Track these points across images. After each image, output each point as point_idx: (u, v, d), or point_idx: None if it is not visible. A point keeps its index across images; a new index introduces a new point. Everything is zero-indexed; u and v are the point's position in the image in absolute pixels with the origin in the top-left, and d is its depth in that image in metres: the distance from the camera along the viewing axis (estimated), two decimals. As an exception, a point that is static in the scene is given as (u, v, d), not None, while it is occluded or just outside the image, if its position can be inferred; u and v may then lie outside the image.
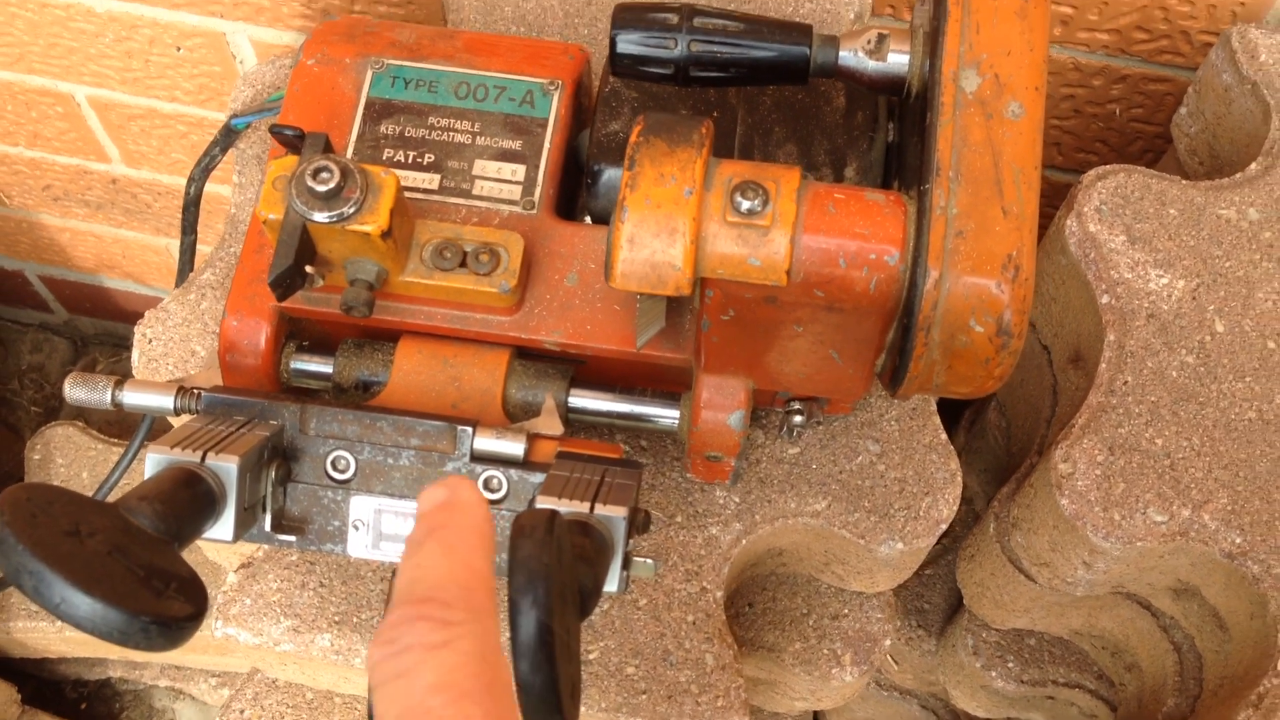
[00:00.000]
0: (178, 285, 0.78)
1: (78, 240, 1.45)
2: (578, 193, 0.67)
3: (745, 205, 0.50)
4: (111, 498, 0.49)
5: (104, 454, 1.29)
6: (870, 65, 0.55)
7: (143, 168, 1.26)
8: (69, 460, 1.30)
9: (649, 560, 0.54)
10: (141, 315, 0.71)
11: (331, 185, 0.53)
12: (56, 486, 0.46)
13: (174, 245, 1.40)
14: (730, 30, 0.55)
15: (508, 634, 0.38)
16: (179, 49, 1.06)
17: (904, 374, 0.52)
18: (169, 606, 0.43)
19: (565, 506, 0.51)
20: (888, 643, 0.75)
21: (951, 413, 0.87)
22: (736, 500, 0.67)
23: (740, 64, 0.56)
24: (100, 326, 1.66)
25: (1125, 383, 0.67)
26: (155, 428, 0.83)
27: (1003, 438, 0.88)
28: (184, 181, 1.27)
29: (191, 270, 0.80)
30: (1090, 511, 0.65)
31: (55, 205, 1.39)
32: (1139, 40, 0.82)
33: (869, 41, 0.55)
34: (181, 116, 1.16)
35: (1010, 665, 0.84)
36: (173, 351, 0.69)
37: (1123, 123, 0.89)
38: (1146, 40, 0.82)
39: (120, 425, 1.49)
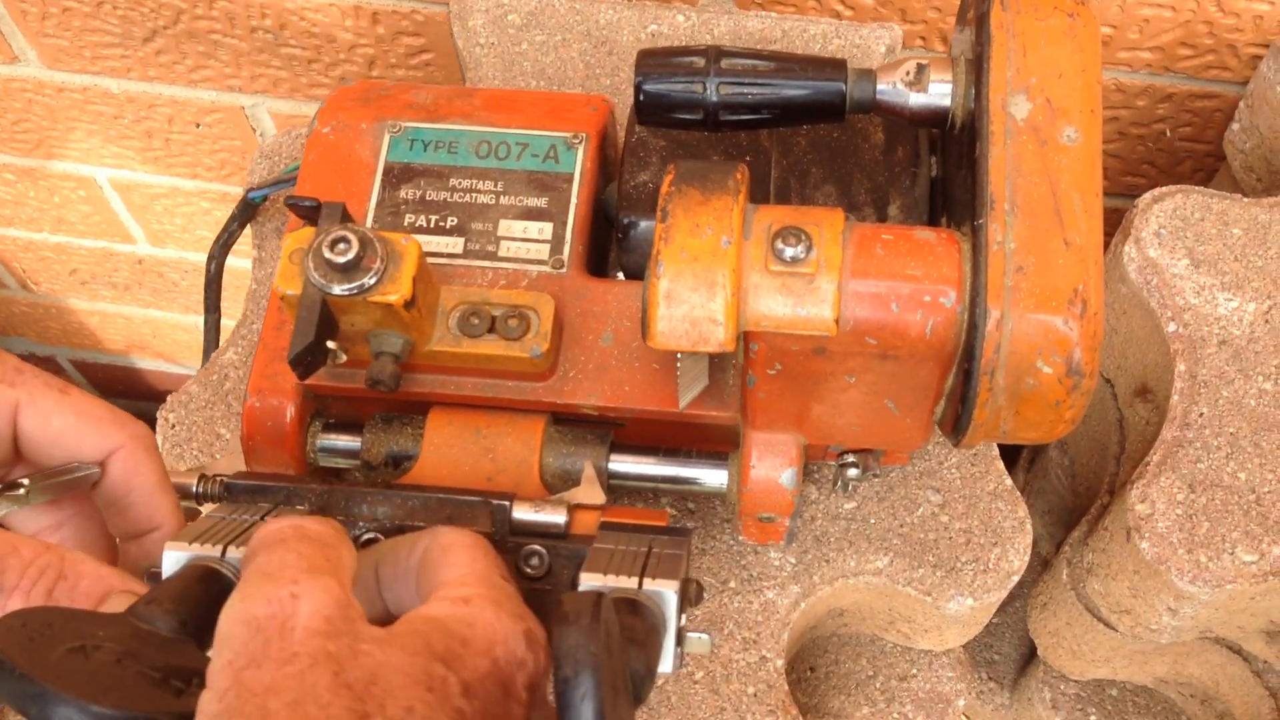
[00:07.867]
0: (204, 365, 0.76)
1: (107, 323, 1.44)
2: (607, 248, 0.64)
3: (788, 252, 0.46)
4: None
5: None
6: (911, 97, 0.52)
7: (168, 246, 1.26)
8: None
9: (704, 635, 0.50)
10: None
11: (350, 256, 0.50)
12: (56, 607, 0.43)
13: (202, 323, 1.39)
14: (760, 70, 0.53)
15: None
16: (198, 125, 1.05)
17: (967, 422, 0.49)
18: (190, 704, 0.40)
19: (611, 583, 0.47)
20: (961, 703, 0.70)
21: (1008, 451, 0.83)
22: (792, 561, 0.63)
23: (773, 104, 0.53)
24: (133, 408, 1.65)
25: (1200, 414, 0.63)
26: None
27: (1066, 477, 0.84)
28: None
29: (217, 348, 0.78)
30: (1174, 554, 0.60)
31: (83, 289, 1.38)
32: (1183, 56, 0.79)
33: (908, 73, 0.52)
34: (204, 193, 1.15)
35: (1093, 718, 0.80)
36: (196, 435, 0.66)
37: (1171, 143, 0.86)
38: (1191, 56, 0.79)
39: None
